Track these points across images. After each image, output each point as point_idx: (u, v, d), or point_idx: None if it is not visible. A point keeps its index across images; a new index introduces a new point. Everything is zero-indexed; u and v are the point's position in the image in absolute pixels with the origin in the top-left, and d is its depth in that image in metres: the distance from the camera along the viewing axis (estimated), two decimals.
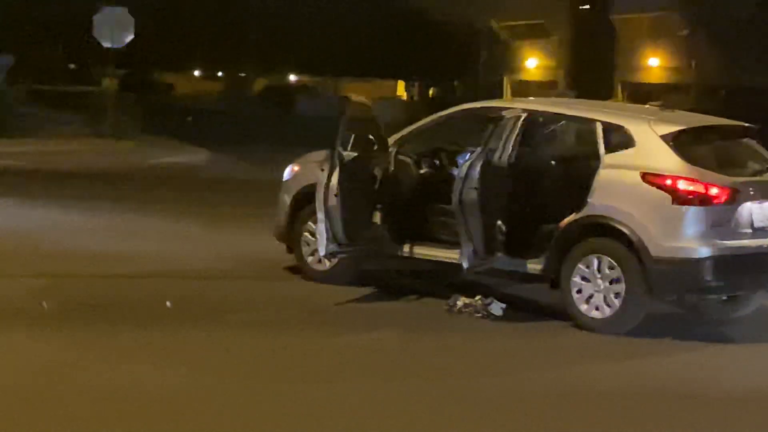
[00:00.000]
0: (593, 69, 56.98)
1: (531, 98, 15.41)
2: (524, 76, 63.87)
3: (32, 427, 7.10)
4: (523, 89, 57.34)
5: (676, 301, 11.31)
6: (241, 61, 63.80)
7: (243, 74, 68.17)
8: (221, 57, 63.50)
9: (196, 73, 71.26)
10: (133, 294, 11.46)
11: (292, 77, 72.57)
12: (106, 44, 32.62)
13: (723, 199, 10.52)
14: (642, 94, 50.46)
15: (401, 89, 72.73)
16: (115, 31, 32.23)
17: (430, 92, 68.39)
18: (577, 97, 39.97)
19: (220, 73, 71.99)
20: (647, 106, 12.61)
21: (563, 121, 12.19)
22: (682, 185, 10.48)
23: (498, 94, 51.76)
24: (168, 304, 10.90)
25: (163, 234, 15.61)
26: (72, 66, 63.84)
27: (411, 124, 12.70)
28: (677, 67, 56.52)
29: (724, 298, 11.41)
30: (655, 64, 58.42)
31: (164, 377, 8.48)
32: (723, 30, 47.61)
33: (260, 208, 16.60)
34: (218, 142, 33.67)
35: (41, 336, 9.44)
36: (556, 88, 58.19)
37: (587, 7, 59.86)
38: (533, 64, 64.87)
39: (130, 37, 32.70)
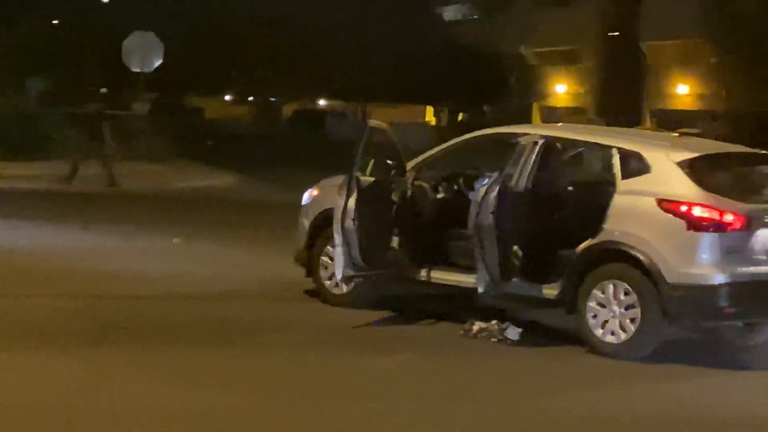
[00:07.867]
0: (622, 95, 56.97)
1: (553, 124, 15.42)
2: (553, 102, 63.90)
3: None
4: (552, 115, 57.32)
5: (692, 327, 11.33)
6: (272, 86, 64.03)
7: (273, 99, 68.43)
8: (252, 82, 63.74)
9: (227, 97, 71.58)
10: (159, 315, 11.56)
11: (322, 101, 72.87)
12: (135, 69, 32.79)
13: (738, 225, 10.49)
14: (671, 122, 50.35)
15: (430, 114, 72.88)
16: (145, 55, 32.39)
17: (459, 117, 68.44)
18: (607, 123, 39.98)
19: (250, 98, 72.28)
20: (672, 133, 12.60)
21: (580, 147, 12.23)
22: (697, 212, 10.49)
23: (527, 120, 51.75)
24: None
25: (188, 255, 15.76)
26: (103, 90, 64.24)
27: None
28: (707, 94, 56.42)
29: (741, 324, 11.42)
30: (684, 91, 58.37)
31: (193, 398, 8.56)
32: (754, 57, 47.49)
33: (285, 230, 16.70)
34: (248, 166, 33.83)
35: (70, 356, 9.54)
36: (584, 114, 58.15)
37: (617, 33, 59.83)
38: (562, 90, 64.93)
39: (159, 62, 32.83)
